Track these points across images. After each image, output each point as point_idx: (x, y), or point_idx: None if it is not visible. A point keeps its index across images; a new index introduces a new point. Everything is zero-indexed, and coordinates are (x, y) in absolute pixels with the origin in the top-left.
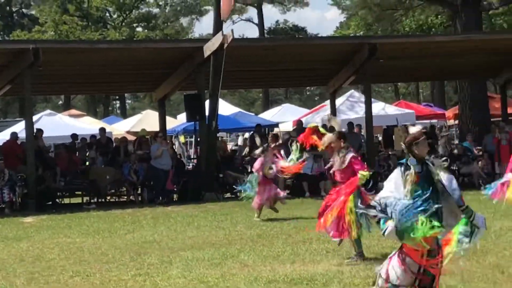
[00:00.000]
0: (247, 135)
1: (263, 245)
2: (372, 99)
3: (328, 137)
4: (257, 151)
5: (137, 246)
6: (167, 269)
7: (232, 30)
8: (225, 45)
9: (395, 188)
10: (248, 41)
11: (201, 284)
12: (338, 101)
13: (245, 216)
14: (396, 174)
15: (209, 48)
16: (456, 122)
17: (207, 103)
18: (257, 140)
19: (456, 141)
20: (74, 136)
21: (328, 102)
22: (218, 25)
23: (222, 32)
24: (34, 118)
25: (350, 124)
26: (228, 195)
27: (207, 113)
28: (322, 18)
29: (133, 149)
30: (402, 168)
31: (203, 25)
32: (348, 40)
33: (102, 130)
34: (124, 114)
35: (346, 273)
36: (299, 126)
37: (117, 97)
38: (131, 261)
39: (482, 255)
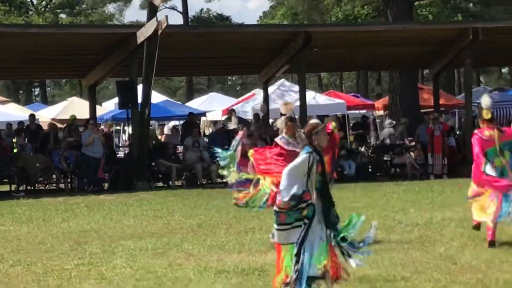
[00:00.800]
0: (172, 123)
1: (205, 234)
2: None
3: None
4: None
5: (75, 235)
6: (111, 258)
7: (166, 16)
8: (159, 31)
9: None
10: (183, 27)
11: (149, 274)
12: (269, 90)
13: (181, 205)
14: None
15: (142, 34)
16: (385, 112)
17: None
18: (234, 120)
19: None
20: (8, 125)
21: (256, 91)
22: (151, 11)
23: (157, 18)
24: None
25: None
26: (160, 184)
27: (139, 100)
28: (244, 8)
29: (63, 136)
30: (306, 156)
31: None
32: (283, 28)
33: (32, 116)
34: (45, 101)
35: None
36: (231, 115)
37: (36, 83)
38: (72, 250)
39: (431, 245)
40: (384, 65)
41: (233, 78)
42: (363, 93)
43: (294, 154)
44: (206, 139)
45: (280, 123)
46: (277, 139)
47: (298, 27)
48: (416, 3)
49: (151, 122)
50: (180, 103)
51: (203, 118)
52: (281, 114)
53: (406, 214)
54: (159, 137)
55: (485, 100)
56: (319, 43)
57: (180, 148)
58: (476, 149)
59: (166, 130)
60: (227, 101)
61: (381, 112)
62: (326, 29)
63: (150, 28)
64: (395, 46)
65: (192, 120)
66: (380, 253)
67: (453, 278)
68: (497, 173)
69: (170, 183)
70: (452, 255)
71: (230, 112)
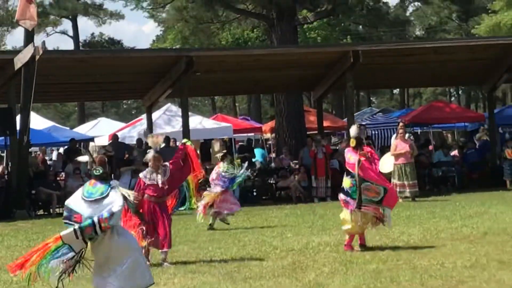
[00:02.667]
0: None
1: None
2: (190, 113)
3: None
4: (218, 155)
5: None
6: None
7: (43, 42)
8: (37, 57)
9: None
10: (62, 53)
11: None
12: (155, 115)
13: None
14: None
15: (20, 61)
16: (273, 135)
17: (18, 117)
18: (216, 146)
19: (273, 155)
20: None
21: (144, 115)
22: (28, 37)
23: (33, 44)
24: None
25: (167, 138)
26: (41, 212)
27: (18, 127)
28: (139, 32)
29: None
30: None
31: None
32: (165, 53)
33: None
34: None
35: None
36: (115, 141)
37: None
38: None
39: (302, 272)
40: (268, 89)
41: (128, 102)
42: (255, 116)
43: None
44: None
45: (149, 155)
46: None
47: (181, 51)
48: (305, 26)
49: (35, 149)
50: (69, 128)
51: (91, 144)
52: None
53: (284, 239)
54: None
55: (353, 130)
56: (202, 67)
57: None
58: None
59: (54, 156)
60: (116, 126)
61: (269, 135)
62: (209, 53)
63: (27, 54)
64: (279, 70)
65: (74, 146)
66: (248, 281)
67: None
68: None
69: (51, 210)
70: (321, 282)
71: (113, 138)
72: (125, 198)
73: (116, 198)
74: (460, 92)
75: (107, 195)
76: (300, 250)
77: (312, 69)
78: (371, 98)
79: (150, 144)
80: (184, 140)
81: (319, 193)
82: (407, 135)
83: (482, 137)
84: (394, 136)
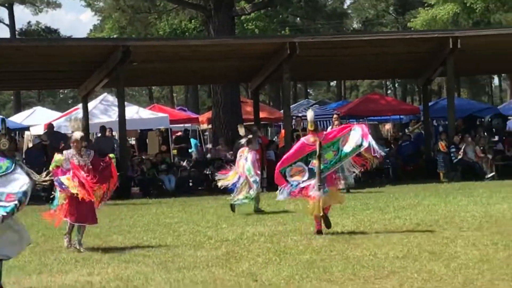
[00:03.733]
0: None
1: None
2: (126, 103)
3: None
4: (242, 141)
5: None
6: None
7: None
8: None
9: None
10: None
11: None
12: (91, 105)
13: None
14: None
15: None
16: (210, 126)
17: None
18: (241, 131)
19: (210, 145)
20: None
21: (81, 105)
22: None
23: None
24: None
25: (103, 127)
26: None
27: None
28: (77, 21)
29: None
30: None
31: None
32: (101, 42)
33: None
34: None
35: (96, 284)
36: (50, 130)
37: None
38: None
39: (235, 262)
40: (205, 79)
41: (65, 91)
42: (192, 107)
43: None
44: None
45: (76, 135)
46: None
47: (117, 41)
48: (242, 17)
49: None
50: (2, 117)
51: (26, 133)
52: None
53: (218, 230)
54: None
55: (309, 115)
56: (139, 57)
57: None
58: (291, 151)
59: None
60: (52, 115)
61: (205, 126)
62: (146, 43)
63: None
64: (216, 60)
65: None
66: (182, 271)
67: None
68: (312, 172)
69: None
70: (254, 272)
71: (49, 127)
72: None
73: (22, 176)
74: (396, 85)
75: (13, 171)
76: (234, 240)
77: (249, 60)
78: (308, 90)
79: (70, 128)
80: (112, 155)
81: None
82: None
83: (414, 130)
84: (329, 128)
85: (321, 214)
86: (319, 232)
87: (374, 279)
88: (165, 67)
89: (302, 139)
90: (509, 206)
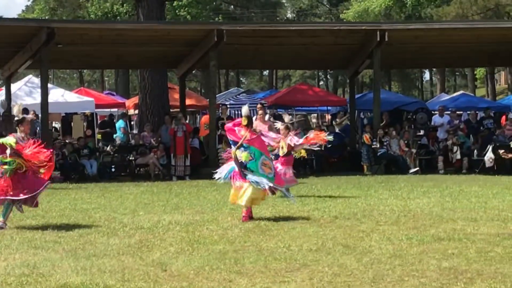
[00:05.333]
0: None
1: None
2: (52, 85)
3: None
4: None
5: None
6: None
7: None
8: None
9: None
10: None
11: None
12: (16, 86)
13: None
14: None
15: None
16: (136, 111)
17: None
18: (286, 118)
19: (135, 131)
20: None
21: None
22: None
23: None
24: None
25: (25, 109)
26: None
27: None
28: (11, 1)
29: None
30: None
31: None
32: (25, 23)
33: None
34: None
35: (0, 270)
36: None
37: None
38: None
39: (147, 251)
40: (132, 64)
41: None
42: (122, 91)
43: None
44: None
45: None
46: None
47: (42, 22)
48: (175, 4)
49: None
50: None
51: None
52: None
53: (135, 217)
54: None
55: (244, 110)
56: (64, 39)
57: None
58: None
59: None
60: None
61: (132, 111)
62: (70, 25)
63: None
64: (142, 45)
65: None
66: (91, 258)
67: (158, 287)
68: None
69: None
70: (165, 262)
71: None
72: None
73: None
74: (328, 76)
75: None
76: (149, 228)
77: (177, 46)
78: (241, 79)
79: (15, 112)
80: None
81: (178, 172)
82: (267, 116)
83: (342, 122)
84: (254, 117)
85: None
86: (250, 218)
87: (284, 272)
88: (90, 50)
89: (236, 128)
90: (428, 200)
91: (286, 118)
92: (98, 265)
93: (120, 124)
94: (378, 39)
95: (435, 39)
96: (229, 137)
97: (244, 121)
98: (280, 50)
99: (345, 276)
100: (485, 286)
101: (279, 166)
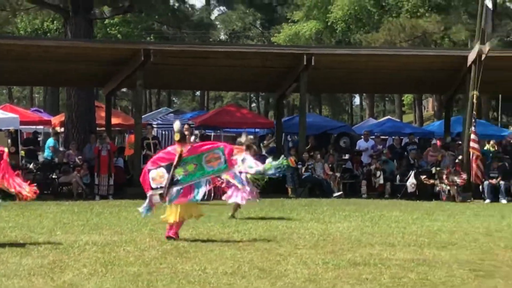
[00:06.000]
0: None
1: None
2: None
3: None
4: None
5: None
6: None
7: None
8: None
9: None
10: None
11: None
12: None
13: None
14: None
15: None
16: (61, 129)
17: None
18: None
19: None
20: None
21: None
22: None
23: None
24: None
25: None
26: None
27: None
28: None
29: None
30: None
31: None
32: None
33: None
34: None
35: None
36: None
37: None
38: None
39: (59, 272)
40: (59, 81)
41: None
42: (50, 109)
43: None
44: None
45: None
46: None
47: None
48: (106, 22)
49: None
50: None
51: None
52: None
53: (52, 236)
54: None
55: (176, 126)
56: None
57: None
58: (159, 155)
59: None
60: None
61: (58, 128)
62: None
63: None
64: (69, 63)
65: None
66: (1, 279)
67: None
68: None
69: None
70: (76, 283)
71: None
72: None
73: None
74: (260, 98)
75: None
76: (65, 248)
77: (103, 65)
78: (174, 99)
79: None
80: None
81: (101, 191)
82: (192, 137)
83: (269, 144)
84: None
85: (177, 220)
86: (170, 237)
87: None
88: (17, 66)
89: (169, 148)
90: (348, 225)
91: (243, 138)
92: (7, 286)
93: (49, 142)
94: (305, 63)
95: (363, 65)
96: (162, 163)
97: (177, 137)
98: (208, 72)
99: None
100: None
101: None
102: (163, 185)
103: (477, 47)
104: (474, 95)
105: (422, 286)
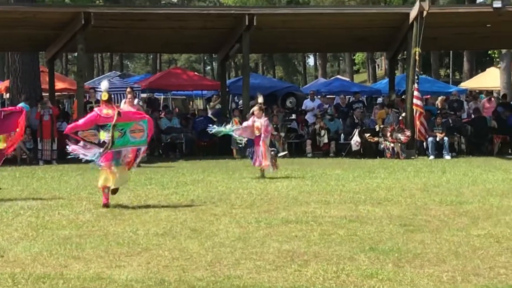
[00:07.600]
0: None
1: None
2: None
3: None
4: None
5: None
6: None
7: None
8: None
9: None
10: None
11: None
12: None
13: None
14: None
15: None
16: (7, 94)
17: None
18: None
19: None
20: None
21: None
22: None
23: None
24: None
25: None
26: None
27: None
28: None
29: None
30: None
31: None
32: None
33: None
34: None
35: None
36: None
37: None
38: None
39: None
40: (1, 47)
41: None
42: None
43: None
44: None
45: None
46: None
47: None
48: None
49: None
50: None
51: None
52: None
53: None
54: None
55: (104, 85)
56: None
57: None
58: (80, 121)
59: None
60: None
61: (4, 94)
62: None
63: None
64: (10, 28)
65: None
66: None
67: None
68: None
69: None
70: (4, 247)
71: None
72: None
73: None
74: (214, 61)
75: None
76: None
77: (44, 29)
78: (127, 63)
79: None
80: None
81: (45, 156)
82: (136, 100)
83: (215, 106)
84: (123, 100)
85: (112, 186)
86: (106, 205)
87: (124, 256)
88: None
89: (96, 110)
90: (288, 184)
91: (260, 99)
92: None
93: None
94: (247, 23)
95: (304, 24)
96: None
97: (104, 96)
98: (150, 34)
99: (183, 260)
100: (318, 267)
101: (260, 147)
102: (95, 142)
103: (417, 4)
104: (416, 52)
105: (349, 242)
